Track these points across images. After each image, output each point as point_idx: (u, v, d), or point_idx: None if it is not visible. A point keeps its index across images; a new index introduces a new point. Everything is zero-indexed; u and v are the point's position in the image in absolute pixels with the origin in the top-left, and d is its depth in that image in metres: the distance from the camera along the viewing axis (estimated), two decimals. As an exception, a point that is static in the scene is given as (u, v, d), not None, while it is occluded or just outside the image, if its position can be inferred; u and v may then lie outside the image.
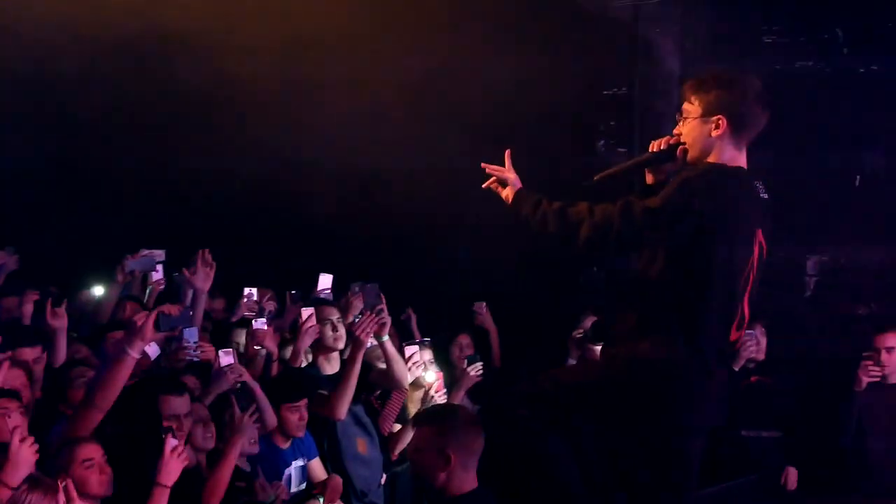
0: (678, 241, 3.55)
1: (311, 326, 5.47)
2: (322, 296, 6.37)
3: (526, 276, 7.51)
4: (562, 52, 6.85)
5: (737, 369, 6.32)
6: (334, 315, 5.65)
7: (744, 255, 3.64)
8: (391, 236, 7.62)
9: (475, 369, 6.22)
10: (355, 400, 5.46)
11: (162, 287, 6.40)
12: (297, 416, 5.11)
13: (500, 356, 7.21)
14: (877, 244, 7.14)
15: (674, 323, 3.61)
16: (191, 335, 5.35)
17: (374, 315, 5.33)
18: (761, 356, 6.39)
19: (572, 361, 6.42)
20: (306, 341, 5.51)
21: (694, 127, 3.73)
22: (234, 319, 6.56)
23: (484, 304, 7.18)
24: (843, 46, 7.19)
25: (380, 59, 7.13)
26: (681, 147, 3.76)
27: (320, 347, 5.57)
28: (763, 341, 6.35)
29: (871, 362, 6.31)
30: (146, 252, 6.25)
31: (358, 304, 6.05)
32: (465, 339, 6.93)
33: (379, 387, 5.78)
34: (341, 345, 5.64)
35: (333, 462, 5.33)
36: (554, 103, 7.05)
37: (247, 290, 6.70)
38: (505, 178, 3.88)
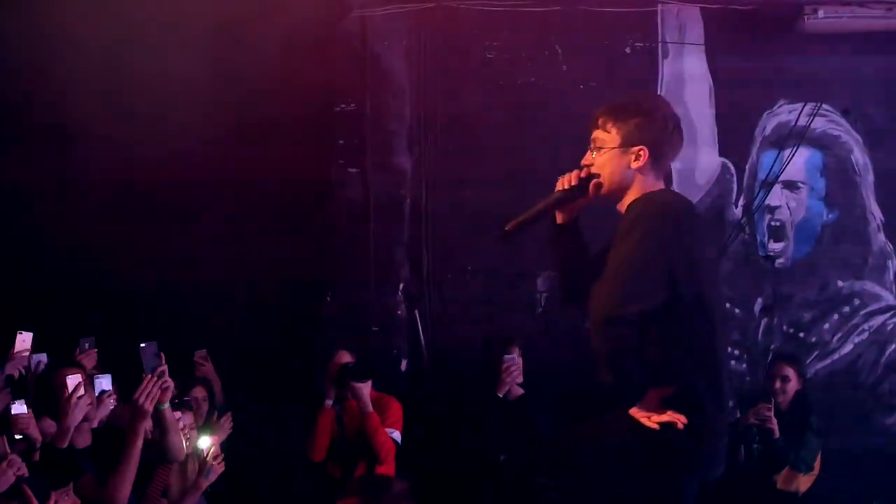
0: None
1: (80, 397, 4.81)
2: (20, 357, 5.61)
3: (257, 305, 7.07)
4: (296, 65, 6.51)
5: (501, 395, 6.27)
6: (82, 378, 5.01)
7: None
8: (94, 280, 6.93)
9: (227, 419, 5.99)
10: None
11: None
12: (70, 501, 4.40)
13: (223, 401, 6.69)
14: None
15: (700, 379, 3.43)
16: None
17: (154, 378, 4.74)
18: (520, 378, 6.35)
19: (329, 401, 6.13)
20: (77, 416, 4.83)
21: (611, 158, 3.54)
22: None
23: (204, 351, 6.67)
24: (562, 63, 7.33)
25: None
26: (594, 181, 3.57)
27: None
28: (520, 362, 6.33)
29: None
30: None
31: (89, 363, 5.54)
32: (199, 392, 6.45)
33: (145, 459, 5.06)
34: (94, 413, 5.06)
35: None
36: (282, 122, 6.73)
37: None
38: None
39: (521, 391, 6.33)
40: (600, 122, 3.57)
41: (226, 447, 5.98)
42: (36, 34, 6.53)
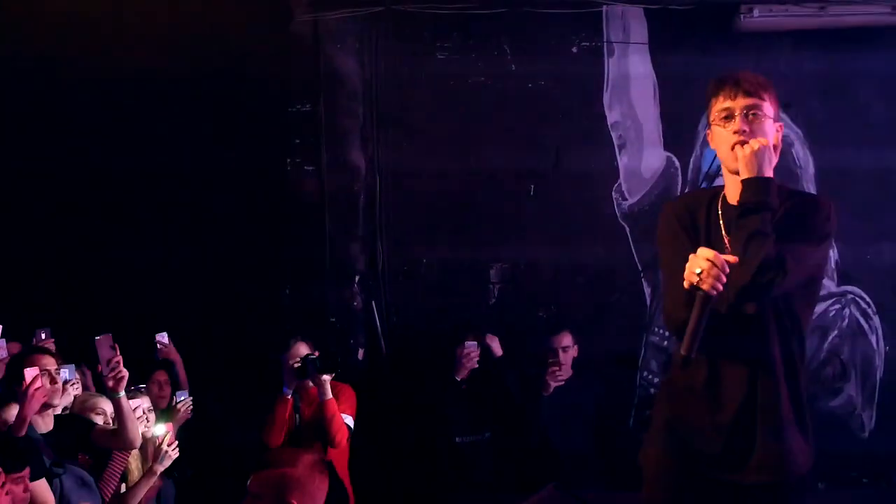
0: None
1: (38, 389, 4.94)
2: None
3: (216, 298, 7.34)
4: (252, 67, 6.77)
5: (459, 379, 6.66)
6: (52, 365, 5.24)
7: None
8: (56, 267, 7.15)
9: (185, 404, 6.16)
10: (74, 459, 5.17)
11: None
12: (22, 486, 4.59)
13: (188, 389, 6.88)
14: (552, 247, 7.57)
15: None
16: None
17: (108, 369, 4.98)
18: (475, 364, 6.74)
19: (288, 390, 6.31)
20: (34, 407, 4.96)
21: (769, 127, 3.35)
22: None
23: (165, 334, 6.90)
24: (511, 63, 7.59)
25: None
26: (757, 145, 3.25)
27: None
28: (478, 349, 6.71)
29: (557, 368, 6.76)
30: None
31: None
32: (161, 376, 6.69)
33: (100, 446, 5.39)
34: (58, 399, 5.27)
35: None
36: (240, 122, 6.99)
37: None
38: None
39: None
40: (753, 88, 3.35)
41: (185, 432, 6.26)
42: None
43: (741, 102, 3.34)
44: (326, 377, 6.18)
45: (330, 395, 6.21)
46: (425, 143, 7.52)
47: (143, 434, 5.55)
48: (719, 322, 3.24)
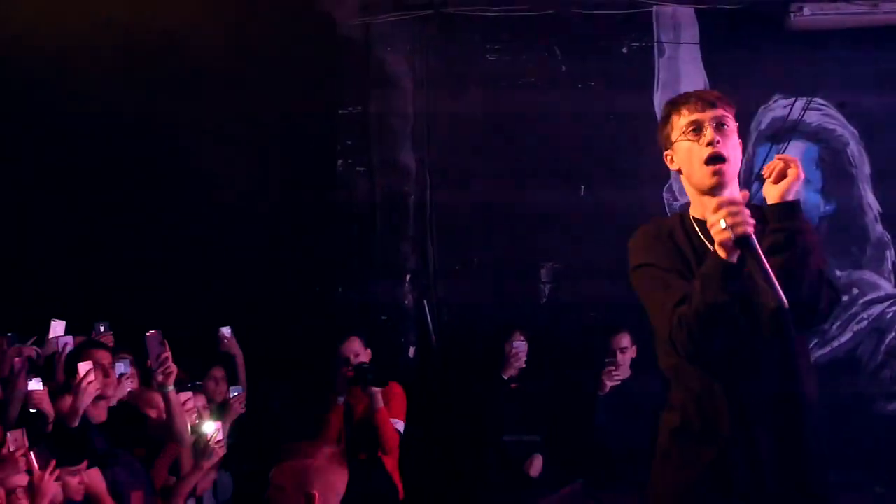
0: None
1: (90, 382, 5.09)
2: (52, 343, 6.01)
3: (271, 297, 7.49)
4: (299, 70, 6.93)
5: (507, 377, 6.74)
6: (106, 359, 5.41)
7: None
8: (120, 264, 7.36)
9: (239, 401, 6.29)
10: (128, 450, 5.32)
11: None
12: (78, 479, 4.80)
13: (246, 385, 7.03)
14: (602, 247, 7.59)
15: None
16: None
17: (157, 364, 5.17)
18: (523, 363, 6.82)
19: (341, 398, 6.38)
20: (86, 400, 5.08)
21: (736, 140, 3.26)
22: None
23: (229, 328, 7.03)
24: (560, 64, 7.65)
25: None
26: (721, 164, 3.16)
27: None
28: (525, 348, 6.79)
29: (613, 367, 6.79)
30: None
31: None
32: (219, 372, 6.85)
33: (154, 438, 5.58)
34: (112, 391, 5.43)
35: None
36: (293, 123, 7.15)
37: None
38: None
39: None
40: (717, 100, 3.26)
41: (242, 426, 6.40)
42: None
43: (709, 114, 3.22)
44: (377, 389, 6.28)
45: (381, 404, 6.31)
46: (475, 143, 7.61)
47: (194, 429, 5.70)
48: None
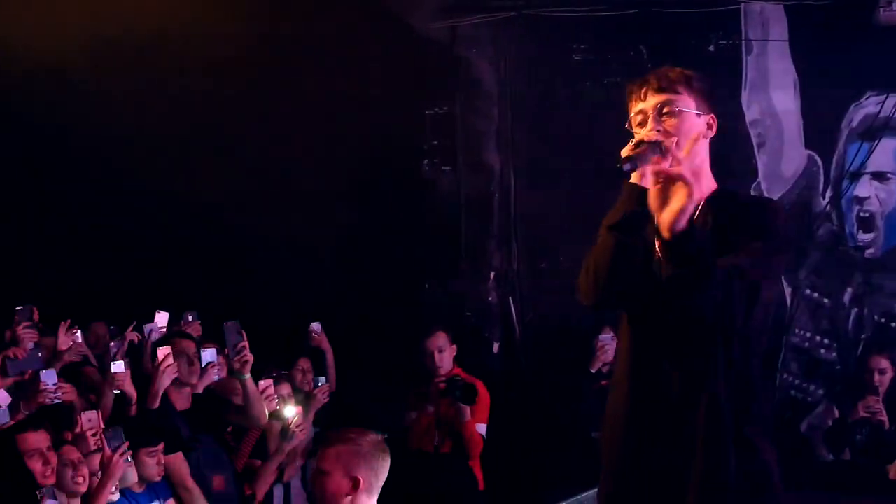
0: None
1: (168, 366, 5.35)
2: (158, 334, 6.35)
3: (359, 293, 7.71)
4: (384, 72, 7.14)
5: (593, 371, 6.79)
6: (190, 348, 5.66)
7: None
8: (217, 259, 7.67)
9: (322, 391, 6.47)
10: (210, 435, 5.58)
11: None
12: (156, 459, 5.04)
13: (335, 378, 7.26)
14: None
15: None
16: (48, 377, 5.24)
17: (234, 352, 5.43)
18: (610, 358, 6.87)
19: (431, 407, 6.47)
20: (164, 382, 5.34)
21: (691, 122, 2.95)
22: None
23: (319, 324, 7.25)
24: (647, 62, 7.66)
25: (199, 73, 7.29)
26: (669, 140, 2.87)
27: (174, 381, 5.45)
28: (614, 343, 6.84)
29: None
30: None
31: (194, 334, 6.22)
32: (305, 364, 7.07)
33: (235, 423, 5.85)
34: (195, 379, 5.69)
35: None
36: (379, 123, 7.36)
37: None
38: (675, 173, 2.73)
39: None
40: (665, 83, 2.98)
41: (330, 419, 6.61)
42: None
43: (652, 101, 2.98)
44: (466, 406, 6.40)
45: (468, 418, 6.42)
46: (560, 143, 7.69)
47: (276, 414, 5.93)
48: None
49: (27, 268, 7.41)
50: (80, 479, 4.54)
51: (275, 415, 5.87)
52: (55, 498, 4.07)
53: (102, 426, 4.81)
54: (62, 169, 7.55)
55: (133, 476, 4.87)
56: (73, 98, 7.12)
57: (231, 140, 7.41)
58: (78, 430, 4.81)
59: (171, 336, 5.84)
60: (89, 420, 4.79)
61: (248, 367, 5.52)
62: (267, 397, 5.79)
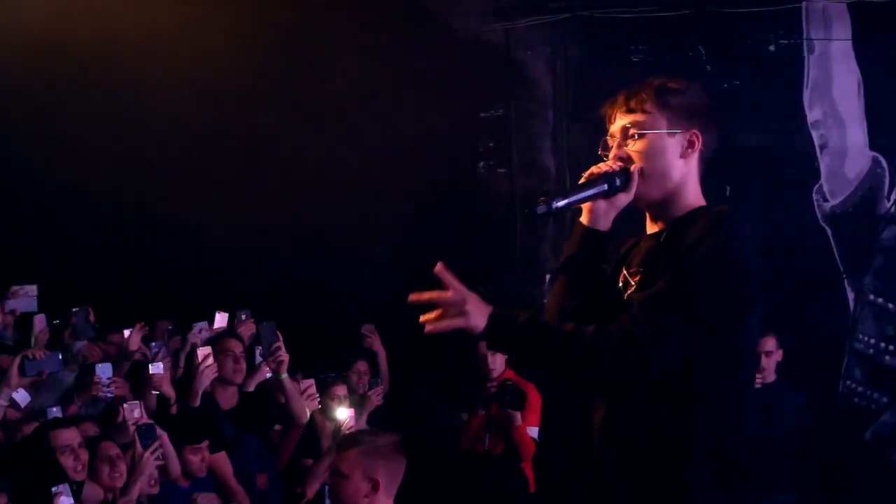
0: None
1: (208, 366, 5.47)
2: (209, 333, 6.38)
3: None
4: (439, 75, 7.19)
5: None
6: (237, 348, 5.79)
7: None
8: (270, 261, 7.78)
9: (377, 393, 6.54)
10: (254, 433, 5.68)
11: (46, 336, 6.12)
12: (200, 457, 5.15)
13: (388, 379, 7.26)
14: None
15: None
16: (104, 371, 5.33)
17: (269, 353, 5.55)
18: None
19: (483, 411, 6.55)
20: (204, 382, 5.47)
21: (661, 142, 2.75)
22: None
23: (372, 326, 7.30)
24: (706, 63, 7.56)
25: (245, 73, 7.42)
26: (634, 166, 2.74)
27: (219, 380, 5.63)
28: None
29: (757, 370, 6.67)
30: (18, 289, 5.99)
31: (246, 332, 6.30)
32: (362, 366, 7.09)
33: (279, 421, 5.92)
34: (240, 378, 5.80)
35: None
36: (434, 127, 7.40)
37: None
38: (460, 304, 2.61)
39: None
40: (632, 103, 2.76)
41: (386, 418, 6.67)
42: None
43: (619, 123, 2.80)
44: (516, 412, 6.43)
45: (519, 422, 6.46)
46: (616, 146, 7.61)
47: (329, 415, 6.00)
48: None
49: (83, 268, 7.59)
50: (118, 475, 4.61)
51: (328, 415, 5.94)
52: (70, 496, 4.14)
53: (145, 418, 4.92)
54: (127, 167, 7.75)
55: (178, 469, 4.98)
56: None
57: (293, 142, 7.52)
58: (119, 419, 4.94)
59: (221, 336, 5.95)
60: (132, 410, 4.89)
61: (284, 366, 5.60)
62: (308, 397, 5.84)
